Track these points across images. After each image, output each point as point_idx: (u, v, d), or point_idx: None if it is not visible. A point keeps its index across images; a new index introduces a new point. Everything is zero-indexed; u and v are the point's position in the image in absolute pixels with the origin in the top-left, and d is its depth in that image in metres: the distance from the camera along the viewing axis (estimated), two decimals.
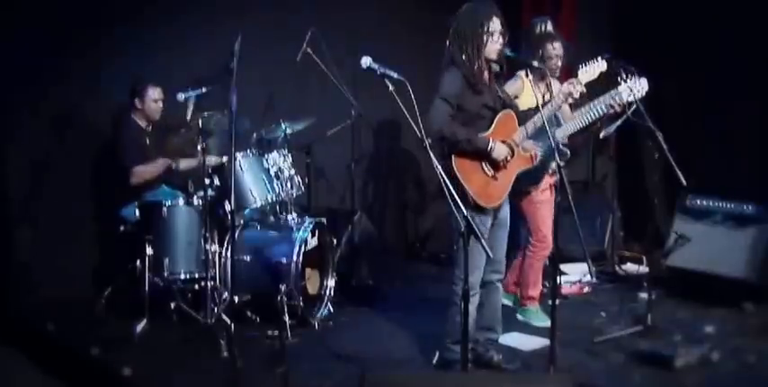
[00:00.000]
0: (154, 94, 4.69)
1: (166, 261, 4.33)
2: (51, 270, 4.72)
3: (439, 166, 3.04)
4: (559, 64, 4.43)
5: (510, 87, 4.25)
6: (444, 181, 2.99)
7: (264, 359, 3.81)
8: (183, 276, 4.38)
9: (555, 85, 4.45)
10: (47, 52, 4.63)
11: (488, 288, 3.75)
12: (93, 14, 4.75)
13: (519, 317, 4.62)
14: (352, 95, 5.09)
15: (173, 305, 4.33)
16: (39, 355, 3.88)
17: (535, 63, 3.77)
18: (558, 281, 4.46)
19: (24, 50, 4.55)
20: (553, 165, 4.33)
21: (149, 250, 4.31)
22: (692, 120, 4.87)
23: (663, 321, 4.37)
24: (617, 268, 5.68)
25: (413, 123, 3.07)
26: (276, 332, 4.08)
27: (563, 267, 5.36)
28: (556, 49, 4.38)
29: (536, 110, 4.00)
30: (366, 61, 3.16)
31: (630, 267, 5.64)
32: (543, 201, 4.42)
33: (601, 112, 4.17)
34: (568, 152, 4.33)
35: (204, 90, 4.60)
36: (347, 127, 5.34)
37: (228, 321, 4.07)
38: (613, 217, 5.81)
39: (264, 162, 4.59)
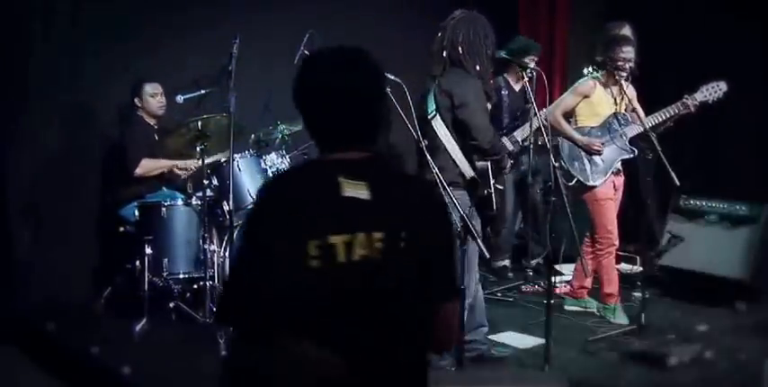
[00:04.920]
0: (150, 89, 4.74)
1: (165, 261, 4.36)
2: (51, 270, 4.74)
3: (434, 167, 3.08)
4: (626, 67, 4.39)
5: (581, 86, 4.49)
6: (442, 183, 3.03)
7: None
8: (181, 276, 4.41)
9: (630, 89, 4.56)
10: (46, 52, 4.65)
11: (476, 289, 3.80)
12: (94, 14, 4.77)
13: (598, 313, 4.70)
14: None
15: (172, 305, 4.35)
16: (39, 354, 3.90)
17: (532, 64, 3.81)
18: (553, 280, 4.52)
19: (25, 50, 4.57)
20: (618, 164, 4.52)
21: (148, 250, 4.33)
22: (685, 120, 4.88)
23: (656, 320, 4.42)
24: None
25: (409, 124, 3.11)
26: None
27: (559, 267, 5.40)
28: (625, 52, 4.36)
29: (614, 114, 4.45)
30: None
31: (624, 267, 5.68)
32: (608, 198, 4.51)
33: (673, 113, 4.38)
34: (636, 150, 4.50)
35: (203, 91, 4.65)
36: None
37: None
38: None
39: (262, 163, 4.62)
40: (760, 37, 5.40)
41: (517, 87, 5.53)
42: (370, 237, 1.56)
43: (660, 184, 4.33)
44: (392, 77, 3.16)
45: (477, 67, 3.53)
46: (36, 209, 4.79)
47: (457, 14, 3.60)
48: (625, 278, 5.31)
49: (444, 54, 3.55)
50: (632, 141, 4.52)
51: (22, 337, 4.12)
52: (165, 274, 4.35)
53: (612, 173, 4.51)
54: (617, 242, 4.56)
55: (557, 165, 3.77)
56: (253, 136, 4.90)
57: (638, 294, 4.76)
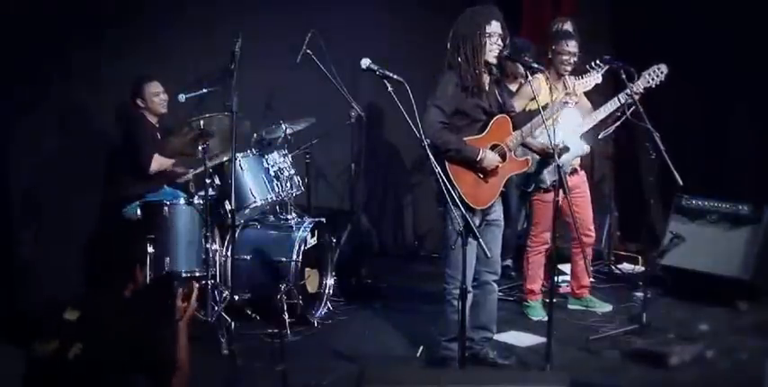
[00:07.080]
0: (151, 88, 4.71)
1: (167, 260, 4.35)
2: (52, 270, 4.74)
3: (437, 166, 3.08)
4: (571, 61, 4.47)
5: (525, 89, 4.41)
6: (443, 181, 3.03)
7: (264, 357, 3.84)
8: (183, 275, 4.41)
9: (572, 83, 4.52)
10: (47, 52, 4.65)
11: (484, 288, 3.79)
12: (94, 14, 4.77)
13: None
14: (352, 96, 5.13)
15: None
16: None
17: (534, 64, 3.80)
18: (556, 280, 4.52)
19: (25, 50, 4.57)
20: (575, 162, 4.56)
21: (151, 249, 4.33)
22: (688, 120, 4.90)
23: (658, 320, 4.42)
24: (613, 267, 5.74)
25: (411, 124, 3.11)
26: (276, 330, 4.12)
27: (561, 267, 5.40)
28: (568, 46, 4.44)
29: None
30: (365, 62, 3.21)
31: (627, 266, 5.69)
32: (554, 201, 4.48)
33: (619, 104, 4.33)
34: (588, 147, 4.51)
35: (205, 91, 4.64)
36: (347, 127, 5.38)
37: (229, 319, 4.12)
38: (611, 217, 5.84)
39: (265, 162, 4.62)
40: (761, 39, 5.39)
41: (513, 87, 5.20)
42: None
43: (662, 183, 4.33)
44: (395, 77, 3.17)
45: (459, 59, 3.57)
46: (37, 209, 4.79)
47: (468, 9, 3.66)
48: (627, 278, 5.33)
49: (448, 47, 3.63)
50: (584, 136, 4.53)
51: (24, 335, 4.12)
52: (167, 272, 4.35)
53: (567, 174, 4.44)
54: (549, 244, 4.55)
55: (564, 166, 3.76)
56: (255, 135, 4.90)
57: (639, 294, 4.75)
